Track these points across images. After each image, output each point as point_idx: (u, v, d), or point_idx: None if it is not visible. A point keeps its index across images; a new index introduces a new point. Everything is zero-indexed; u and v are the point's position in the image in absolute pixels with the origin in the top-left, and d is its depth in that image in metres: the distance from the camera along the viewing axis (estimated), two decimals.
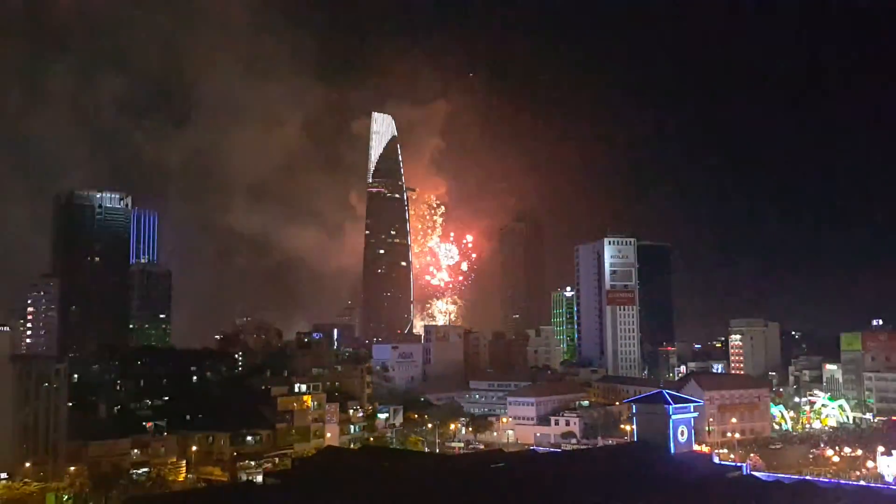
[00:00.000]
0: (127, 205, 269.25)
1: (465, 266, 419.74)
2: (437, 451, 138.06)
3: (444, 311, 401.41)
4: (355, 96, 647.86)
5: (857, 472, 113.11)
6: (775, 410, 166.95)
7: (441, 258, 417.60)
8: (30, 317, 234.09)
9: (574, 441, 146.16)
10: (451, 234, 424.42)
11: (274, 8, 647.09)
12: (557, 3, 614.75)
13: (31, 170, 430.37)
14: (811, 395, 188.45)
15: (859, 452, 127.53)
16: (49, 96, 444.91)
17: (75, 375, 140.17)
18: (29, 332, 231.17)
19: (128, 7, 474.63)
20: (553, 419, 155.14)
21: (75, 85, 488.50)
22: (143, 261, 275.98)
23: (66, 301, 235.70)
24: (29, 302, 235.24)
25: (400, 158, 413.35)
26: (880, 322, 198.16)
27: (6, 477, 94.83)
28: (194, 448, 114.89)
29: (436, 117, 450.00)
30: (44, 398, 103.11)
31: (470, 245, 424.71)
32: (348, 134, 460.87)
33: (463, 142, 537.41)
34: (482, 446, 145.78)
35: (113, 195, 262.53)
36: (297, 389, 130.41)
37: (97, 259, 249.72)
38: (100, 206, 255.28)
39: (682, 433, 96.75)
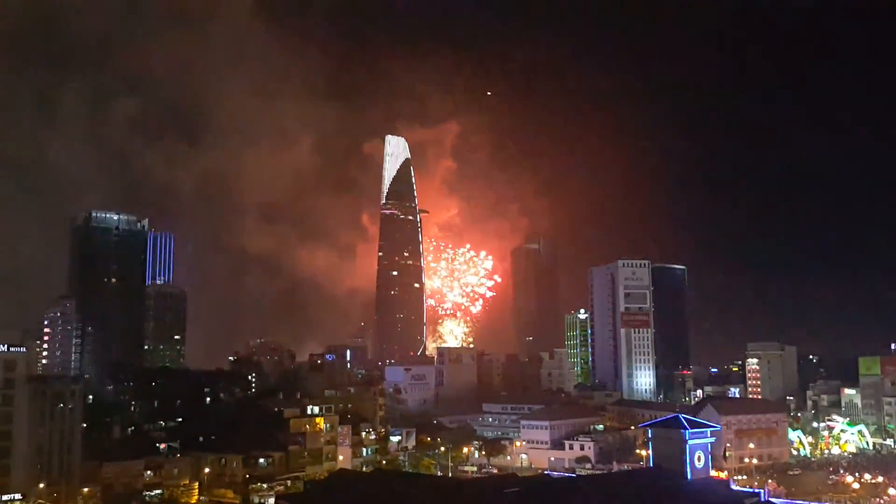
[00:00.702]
0: (143, 226, 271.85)
1: (486, 290, 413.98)
2: (450, 474, 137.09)
3: (454, 334, 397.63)
4: (367, 117, 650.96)
5: (878, 500, 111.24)
6: (793, 436, 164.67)
7: (447, 278, 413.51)
8: (46, 337, 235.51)
9: (589, 466, 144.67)
10: (468, 245, 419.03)
11: (286, 29, 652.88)
12: (572, 23, 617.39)
13: (46, 191, 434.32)
14: (830, 420, 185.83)
15: (880, 479, 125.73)
16: (63, 117, 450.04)
17: (90, 396, 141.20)
18: (45, 353, 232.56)
19: (142, 29, 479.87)
20: (567, 443, 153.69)
21: (89, 106, 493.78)
22: (159, 282, 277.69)
23: (81, 322, 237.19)
24: (45, 322, 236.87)
25: (413, 180, 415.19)
26: None
27: (20, 497, 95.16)
28: (207, 470, 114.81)
29: (447, 138, 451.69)
30: (58, 419, 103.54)
31: (489, 269, 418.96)
32: (360, 155, 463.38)
33: (475, 162, 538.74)
34: (495, 470, 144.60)
35: (130, 217, 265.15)
36: (309, 411, 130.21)
37: (113, 280, 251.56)
38: (117, 228, 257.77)
39: (699, 459, 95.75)
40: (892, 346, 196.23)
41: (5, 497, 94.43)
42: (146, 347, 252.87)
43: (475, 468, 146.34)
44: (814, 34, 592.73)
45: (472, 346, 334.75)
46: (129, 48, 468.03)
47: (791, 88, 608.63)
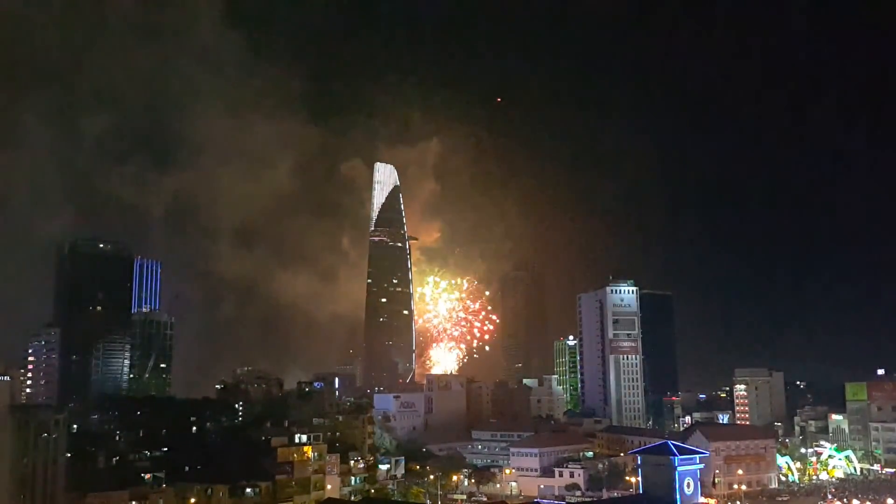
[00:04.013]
0: (129, 253, 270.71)
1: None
2: (440, 503, 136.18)
3: (440, 362, 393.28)
4: (345, 137, 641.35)
5: None
6: (781, 461, 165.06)
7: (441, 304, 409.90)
8: (30, 366, 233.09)
9: (579, 493, 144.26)
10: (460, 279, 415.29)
11: (260, 47, 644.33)
12: (559, 42, 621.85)
13: (30, 218, 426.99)
14: (817, 446, 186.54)
15: None
16: (27, 138, 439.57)
17: (74, 426, 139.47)
18: (29, 382, 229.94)
19: (109, 46, 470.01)
20: (557, 470, 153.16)
21: (53, 126, 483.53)
22: (145, 310, 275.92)
23: (66, 351, 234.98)
24: (30, 351, 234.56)
25: (402, 207, 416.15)
26: (883, 372, 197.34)
27: None
28: (193, 500, 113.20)
29: (429, 158, 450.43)
30: (42, 449, 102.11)
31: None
32: (339, 177, 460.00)
33: (458, 185, 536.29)
34: (485, 498, 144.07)
35: (116, 244, 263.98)
36: (297, 440, 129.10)
37: (99, 308, 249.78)
38: (102, 256, 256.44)
39: (688, 485, 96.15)
40: (879, 372, 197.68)
41: None
42: (131, 376, 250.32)
43: (465, 496, 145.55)
44: (809, 62, 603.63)
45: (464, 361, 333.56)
46: (96, 66, 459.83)
47: (778, 113, 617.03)
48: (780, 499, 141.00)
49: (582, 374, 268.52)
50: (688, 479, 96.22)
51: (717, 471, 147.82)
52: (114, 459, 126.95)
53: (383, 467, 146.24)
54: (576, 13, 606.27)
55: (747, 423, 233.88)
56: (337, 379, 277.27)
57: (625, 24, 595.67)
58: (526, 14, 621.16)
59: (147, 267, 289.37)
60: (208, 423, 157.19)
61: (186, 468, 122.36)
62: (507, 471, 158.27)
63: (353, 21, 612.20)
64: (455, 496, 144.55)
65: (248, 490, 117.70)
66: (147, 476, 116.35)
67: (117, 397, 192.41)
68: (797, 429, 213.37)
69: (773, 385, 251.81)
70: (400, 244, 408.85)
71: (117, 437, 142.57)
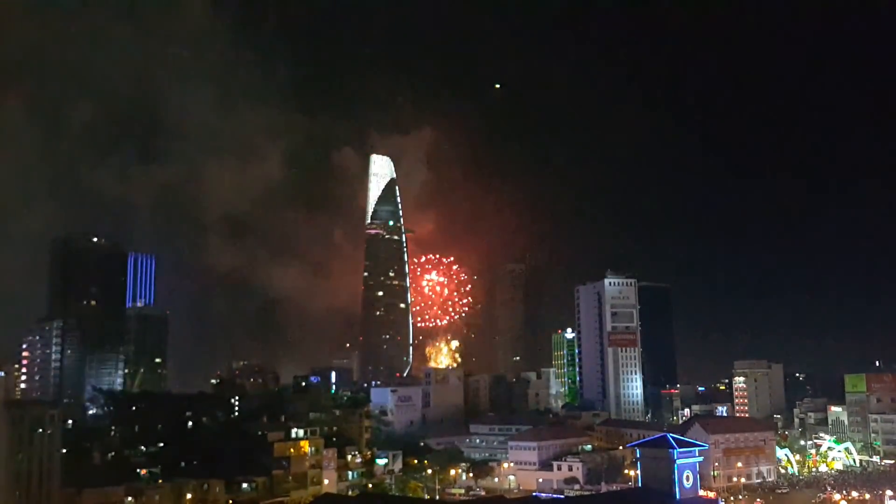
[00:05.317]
0: (123, 248, 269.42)
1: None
2: (438, 497, 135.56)
3: (448, 351, 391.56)
4: (337, 127, 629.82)
5: None
6: (781, 454, 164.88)
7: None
8: (25, 361, 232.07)
9: (577, 487, 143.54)
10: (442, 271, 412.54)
11: (250, 37, 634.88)
12: (556, 34, 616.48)
13: (22, 213, 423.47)
14: (817, 438, 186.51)
15: (867, 496, 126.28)
16: (30, 134, 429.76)
17: (69, 421, 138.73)
18: (24, 377, 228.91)
19: (91, 34, 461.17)
20: (555, 464, 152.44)
21: (53, 122, 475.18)
22: (139, 304, 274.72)
23: (61, 346, 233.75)
24: (24, 346, 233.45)
25: (398, 200, 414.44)
26: (879, 363, 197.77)
27: None
28: (189, 496, 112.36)
29: (422, 147, 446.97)
30: (37, 445, 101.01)
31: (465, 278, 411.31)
32: (330, 167, 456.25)
33: (453, 176, 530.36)
34: (483, 492, 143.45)
35: (109, 239, 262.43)
36: (294, 434, 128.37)
37: (93, 303, 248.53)
38: (96, 250, 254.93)
39: (688, 478, 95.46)
40: (878, 363, 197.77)
41: None
42: (126, 371, 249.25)
43: (463, 490, 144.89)
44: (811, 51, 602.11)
45: (459, 361, 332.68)
46: (81, 56, 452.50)
47: (778, 105, 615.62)
48: (779, 491, 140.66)
49: (580, 367, 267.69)
50: (687, 472, 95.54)
51: (716, 463, 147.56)
52: (109, 455, 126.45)
53: (381, 462, 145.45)
54: (575, 3, 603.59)
55: (746, 415, 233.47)
56: (333, 373, 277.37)
57: (624, 17, 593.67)
58: (524, 1, 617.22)
59: (141, 261, 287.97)
60: (204, 418, 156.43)
61: (182, 463, 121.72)
62: (506, 465, 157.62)
63: (343, 6, 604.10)
64: (453, 490, 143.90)
65: (245, 485, 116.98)
66: (142, 471, 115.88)
67: (112, 393, 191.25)
68: (796, 421, 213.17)
69: (772, 377, 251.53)
70: (396, 237, 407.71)
71: (112, 433, 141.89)
